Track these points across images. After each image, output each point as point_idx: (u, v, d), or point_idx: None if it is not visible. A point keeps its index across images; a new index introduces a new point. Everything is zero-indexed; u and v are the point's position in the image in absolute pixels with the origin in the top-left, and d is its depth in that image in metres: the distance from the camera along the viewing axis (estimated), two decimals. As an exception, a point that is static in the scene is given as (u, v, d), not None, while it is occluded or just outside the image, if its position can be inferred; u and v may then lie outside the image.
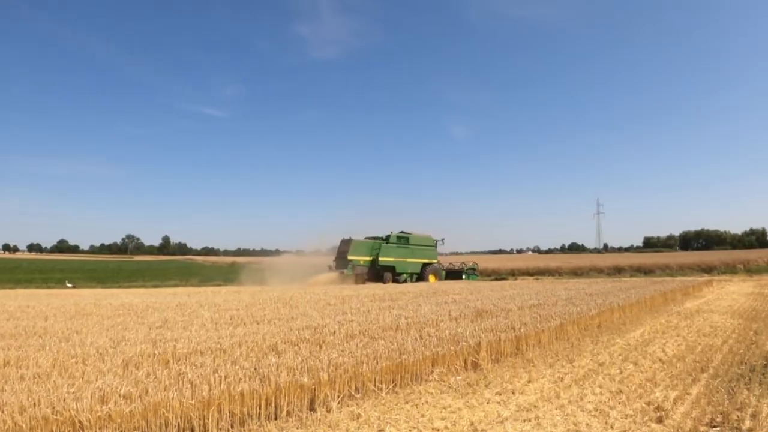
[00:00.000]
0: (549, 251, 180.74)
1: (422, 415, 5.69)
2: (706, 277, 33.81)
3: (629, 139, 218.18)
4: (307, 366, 6.19)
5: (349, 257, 32.63)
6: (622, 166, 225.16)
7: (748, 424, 5.30)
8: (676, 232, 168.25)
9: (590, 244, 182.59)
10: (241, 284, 35.28)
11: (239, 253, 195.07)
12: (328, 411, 5.77)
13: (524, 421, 5.48)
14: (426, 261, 36.29)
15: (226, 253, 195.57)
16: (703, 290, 23.60)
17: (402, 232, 36.10)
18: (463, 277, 38.91)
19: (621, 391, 6.62)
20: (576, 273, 45.75)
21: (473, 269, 40.59)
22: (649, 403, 6.08)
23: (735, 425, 5.28)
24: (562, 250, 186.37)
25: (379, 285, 29.46)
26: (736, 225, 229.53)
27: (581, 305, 13.41)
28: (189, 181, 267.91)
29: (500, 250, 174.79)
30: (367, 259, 33.50)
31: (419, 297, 17.61)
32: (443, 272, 38.00)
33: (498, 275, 45.71)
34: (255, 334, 8.85)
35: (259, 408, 5.47)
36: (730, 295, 21.46)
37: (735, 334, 11.19)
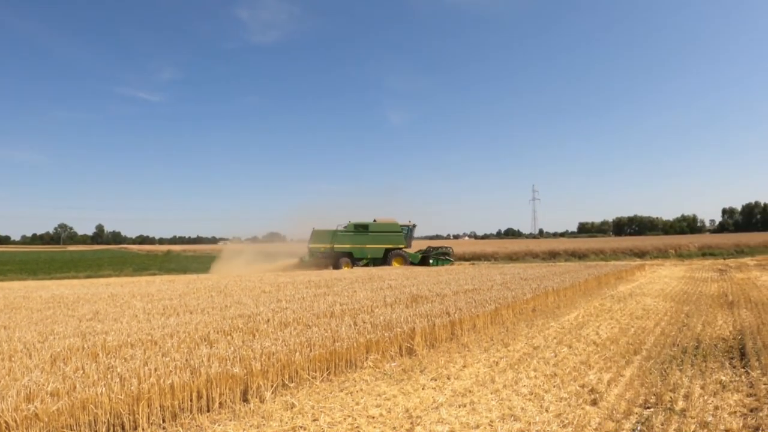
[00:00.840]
0: (485, 236, 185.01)
1: (357, 403, 5.65)
2: (638, 262, 35.18)
3: (564, 126, 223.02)
4: (240, 356, 6.07)
5: (309, 245, 35.67)
6: (557, 152, 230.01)
7: (681, 404, 5.48)
8: (610, 218, 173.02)
9: (526, 230, 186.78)
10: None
11: (175, 241, 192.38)
12: (262, 401, 5.66)
13: (459, 407, 5.51)
14: (390, 246, 36.52)
15: (161, 241, 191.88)
16: (635, 274, 24.58)
17: (374, 220, 37.61)
18: (431, 262, 35.61)
19: (555, 375, 6.76)
20: (512, 258, 46.57)
21: (446, 254, 37.14)
22: (583, 386, 6.21)
23: (668, 406, 5.43)
24: (498, 235, 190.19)
25: (316, 272, 29.68)
26: (667, 212, 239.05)
27: (516, 290, 13.70)
28: (123, 168, 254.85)
29: (437, 235, 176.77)
30: (327, 246, 35.79)
31: (355, 283, 17.54)
32: (418, 256, 36.86)
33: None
34: (187, 324, 8.64)
35: (191, 401, 5.34)
36: (662, 279, 22.32)
37: (667, 316, 11.60)
